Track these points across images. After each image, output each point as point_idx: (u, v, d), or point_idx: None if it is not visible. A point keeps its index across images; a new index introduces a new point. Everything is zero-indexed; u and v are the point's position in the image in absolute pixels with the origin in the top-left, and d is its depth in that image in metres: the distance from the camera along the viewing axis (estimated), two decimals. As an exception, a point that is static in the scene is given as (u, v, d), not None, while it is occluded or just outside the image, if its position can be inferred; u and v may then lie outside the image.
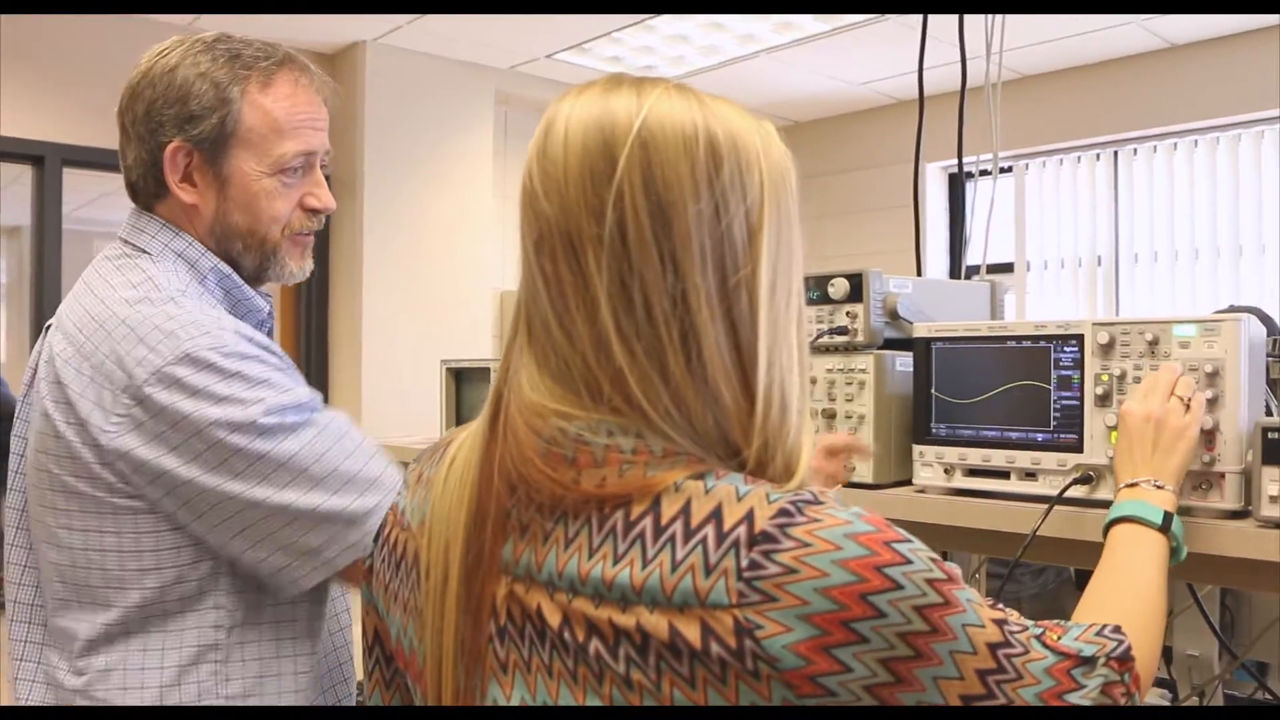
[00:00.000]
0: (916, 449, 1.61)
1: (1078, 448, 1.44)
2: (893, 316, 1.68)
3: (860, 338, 1.67)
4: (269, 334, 1.44)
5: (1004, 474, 1.52)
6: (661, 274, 0.90)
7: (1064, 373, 1.45)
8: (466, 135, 5.67)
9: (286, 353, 1.38)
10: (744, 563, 0.83)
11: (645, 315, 0.90)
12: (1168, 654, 1.99)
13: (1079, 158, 5.63)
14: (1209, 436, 1.32)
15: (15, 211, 5.03)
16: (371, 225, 5.30)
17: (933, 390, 1.59)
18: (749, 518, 0.85)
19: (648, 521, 0.87)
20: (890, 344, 1.70)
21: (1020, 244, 5.82)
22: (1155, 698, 2.11)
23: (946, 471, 1.57)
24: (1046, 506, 1.40)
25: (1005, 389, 1.51)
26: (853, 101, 6.30)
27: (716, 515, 0.86)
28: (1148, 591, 1.12)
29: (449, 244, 5.58)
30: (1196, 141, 5.24)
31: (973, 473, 1.55)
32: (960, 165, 2.21)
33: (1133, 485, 1.25)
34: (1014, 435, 1.51)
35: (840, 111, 6.54)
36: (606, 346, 0.90)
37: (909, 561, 0.85)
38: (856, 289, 1.67)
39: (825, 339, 1.68)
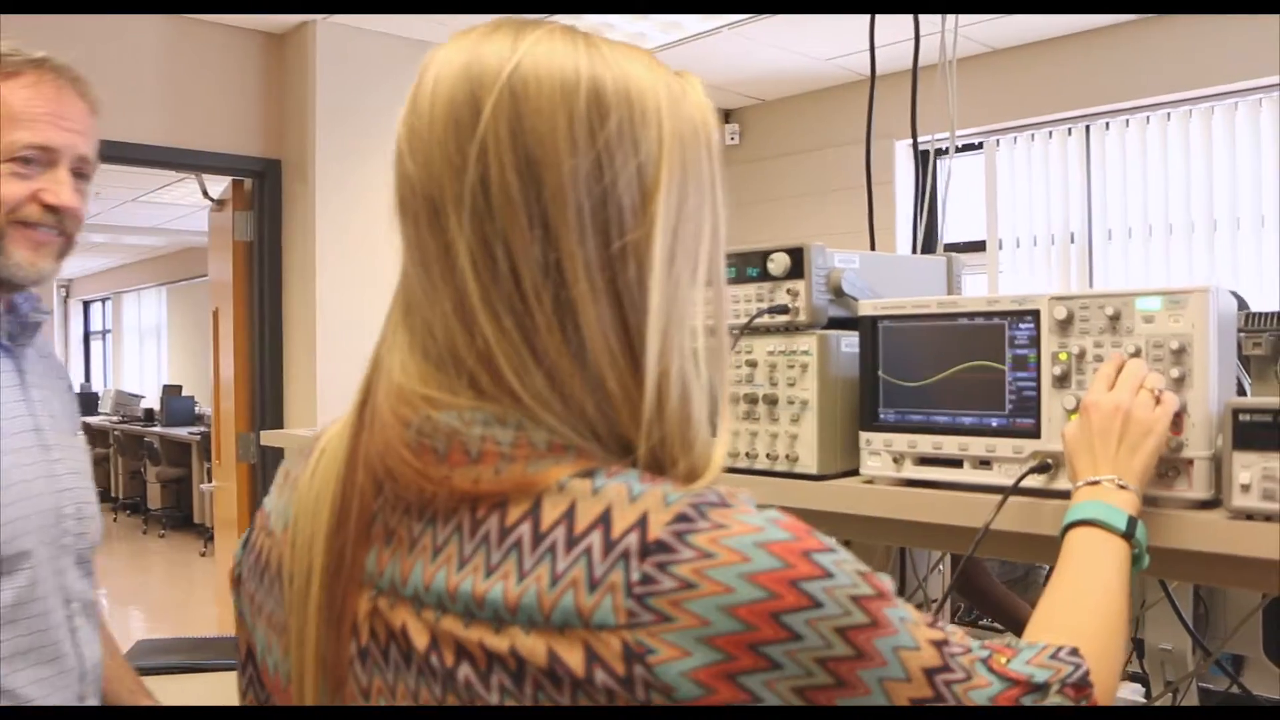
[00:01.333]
0: (863, 436, 1.49)
1: (1034, 433, 1.32)
2: (837, 294, 1.55)
3: (802, 317, 1.54)
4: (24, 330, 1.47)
5: (957, 462, 1.40)
6: (531, 238, 0.78)
7: (1019, 351, 1.34)
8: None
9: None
10: (635, 576, 0.71)
11: (514, 285, 0.78)
12: (1139, 647, 1.88)
13: (1050, 133, 5.51)
14: (1175, 420, 1.21)
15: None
16: (324, 211, 5.14)
17: (880, 373, 1.47)
18: (642, 523, 0.73)
19: (525, 527, 0.75)
20: (835, 323, 1.57)
21: (992, 221, 5.71)
22: (1129, 693, 2.00)
23: (895, 461, 1.45)
24: (1001, 498, 1.28)
25: (957, 370, 1.39)
26: (820, 78, 6.16)
27: (604, 520, 0.74)
28: (1108, 606, 1.01)
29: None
30: (1169, 115, 5.13)
31: (924, 461, 1.43)
32: (915, 143, 2.09)
33: (1093, 484, 1.14)
34: (967, 420, 1.39)
35: (808, 89, 6.40)
36: (471, 320, 0.78)
37: (830, 575, 0.73)
38: (797, 264, 1.54)
39: (764, 319, 1.56)
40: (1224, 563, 1.18)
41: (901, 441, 1.44)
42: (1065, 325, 1.29)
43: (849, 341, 1.54)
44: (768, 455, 1.58)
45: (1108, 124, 5.34)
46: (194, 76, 5.03)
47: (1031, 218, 5.60)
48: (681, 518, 0.73)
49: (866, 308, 1.47)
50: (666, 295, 0.81)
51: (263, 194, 5.32)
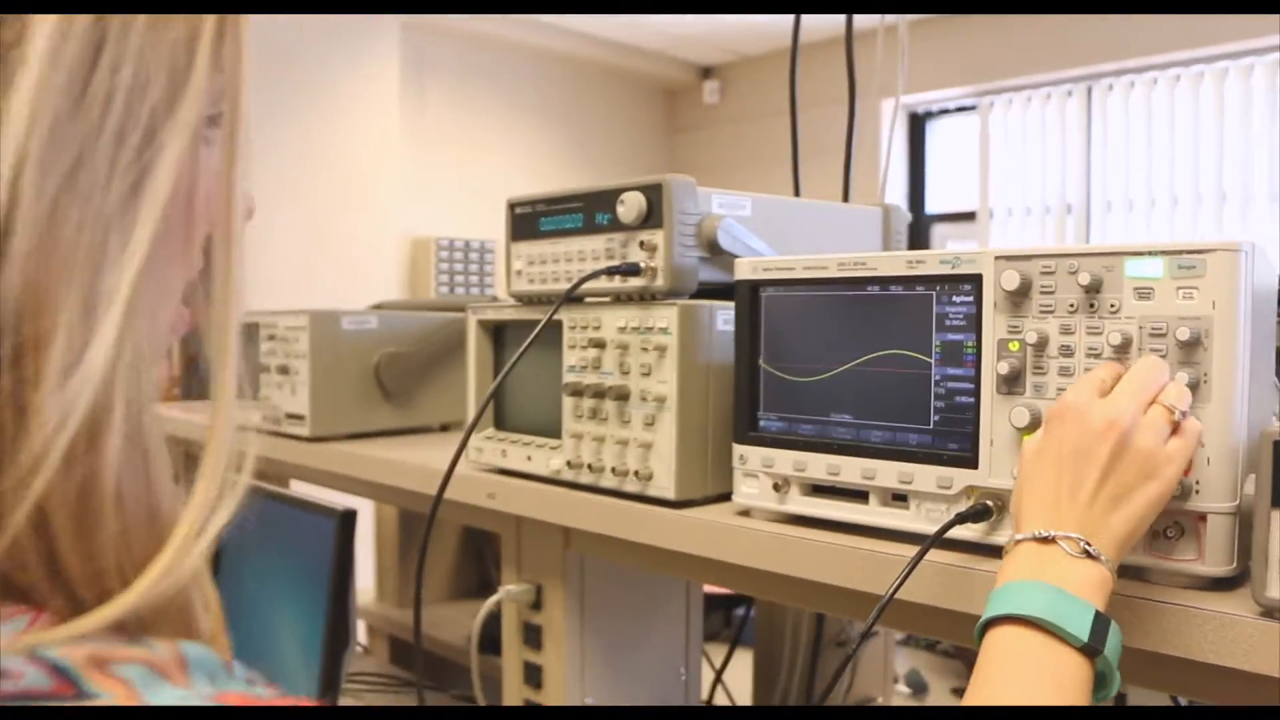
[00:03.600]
0: (736, 451, 1.05)
1: (970, 460, 0.88)
2: (712, 250, 1.12)
3: (659, 280, 1.11)
4: None
5: (860, 495, 0.96)
6: None
7: (951, 337, 0.90)
8: (368, 64, 5.04)
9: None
10: None
11: None
12: None
13: (1048, 94, 5.04)
14: (1181, 450, 0.77)
15: None
16: (256, 167, 4.67)
17: (760, 362, 1.03)
18: None
19: None
20: (710, 292, 1.14)
21: (984, 189, 5.25)
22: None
23: (778, 488, 1.01)
24: (917, 552, 0.85)
25: (864, 362, 0.96)
26: (808, 30, 5.68)
27: None
28: None
29: (348, 186, 4.95)
30: (1179, 76, 4.66)
31: (816, 491, 1.00)
32: (851, 107, 1.66)
33: (1043, 542, 0.71)
34: (875, 436, 0.95)
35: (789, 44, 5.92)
36: None
37: None
38: (655, 207, 1.10)
39: (605, 281, 1.12)
40: (1245, 680, 0.75)
41: (786, 461, 1.00)
42: (1019, 299, 0.85)
43: (727, 317, 1.11)
44: (614, 470, 1.15)
45: (1111, 85, 4.88)
46: None
47: (1026, 186, 5.14)
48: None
49: (744, 268, 1.03)
50: (41, 227, 0.39)
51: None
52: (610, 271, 1.10)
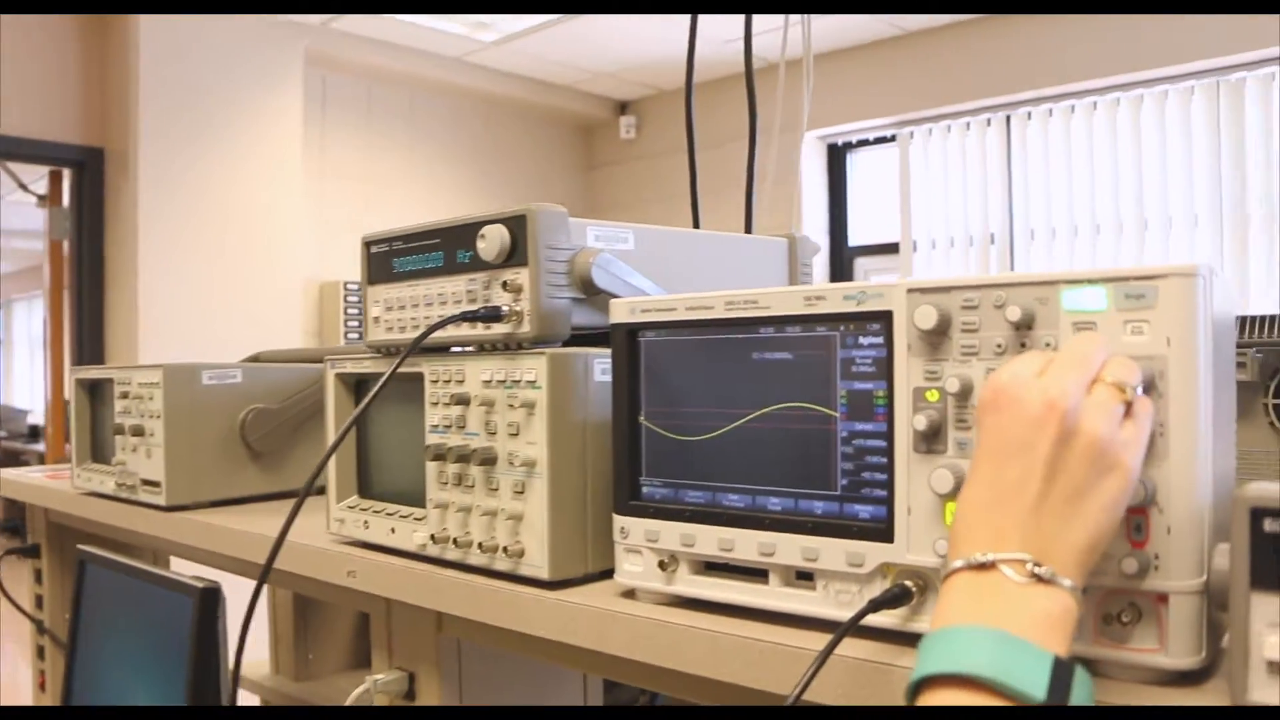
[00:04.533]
0: (617, 523, 0.90)
1: (884, 532, 0.74)
2: (587, 290, 0.96)
3: (526, 327, 0.95)
4: None
5: (759, 574, 0.81)
6: None
7: (859, 386, 0.75)
8: (270, 101, 4.84)
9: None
10: None
11: None
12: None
13: (968, 124, 4.99)
14: (1138, 517, 0.64)
15: None
16: (150, 208, 4.45)
17: (641, 419, 0.88)
18: None
19: None
20: (587, 339, 0.98)
21: (905, 220, 5.18)
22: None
23: (664, 566, 0.86)
24: (829, 643, 0.70)
25: (760, 417, 0.81)
26: (721, 64, 5.60)
27: None
28: None
29: (249, 230, 4.73)
30: (1095, 103, 4.64)
31: (710, 568, 0.84)
32: (752, 133, 1.54)
33: (982, 567, 0.57)
34: (774, 504, 0.80)
35: (710, 76, 5.83)
36: None
37: None
38: (520, 242, 0.95)
39: (468, 329, 0.97)
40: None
41: (672, 534, 0.85)
42: (937, 339, 0.71)
43: (605, 367, 0.95)
44: (482, 546, 0.99)
45: (1030, 113, 4.84)
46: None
47: (949, 216, 5.08)
48: None
49: (619, 310, 0.88)
50: None
51: (81, 187, 4.61)
52: (465, 318, 0.95)
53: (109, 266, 4.64)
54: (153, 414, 1.60)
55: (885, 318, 0.73)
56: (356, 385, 1.25)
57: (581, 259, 0.95)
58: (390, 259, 1.13)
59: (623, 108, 6.42)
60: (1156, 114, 4.51)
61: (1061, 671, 0.53)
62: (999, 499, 0.58)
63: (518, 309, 0.94)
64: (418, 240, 1.08)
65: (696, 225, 1.46)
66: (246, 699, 2.26)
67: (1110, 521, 0.59)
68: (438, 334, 1.04)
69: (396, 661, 1.21)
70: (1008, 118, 4.91)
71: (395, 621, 1.21)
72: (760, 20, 1.68)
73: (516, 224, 0.95)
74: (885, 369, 0.73)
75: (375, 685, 1.19)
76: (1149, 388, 0.63)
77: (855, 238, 5.61)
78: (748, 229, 1.40)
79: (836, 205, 5.62)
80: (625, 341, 0.87)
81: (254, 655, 2.24)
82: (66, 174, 4.70)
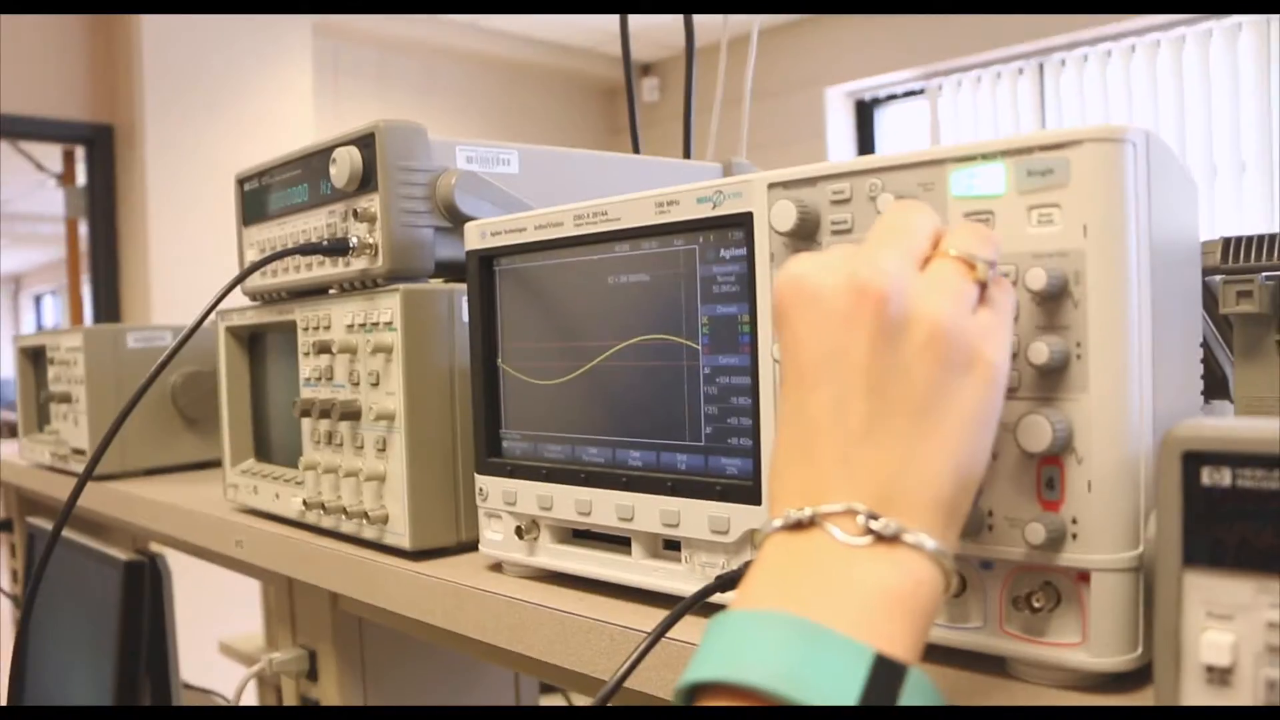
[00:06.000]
0: (478, 483, 0.76)
1: (751, 491, 0.59)
2: (453, 218, 0.82)
3: (381, 261, 0.81)
4: None
5: (621, 542, 0.67)
6: None
7: (723, 310, 0.61)
8: (278, 73, 4.73)
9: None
10: None
11: None
12: None
13: (998, 73, 4.77)
14: (1050, 468, 0.49)
15: None
16: (158, 183, 4.37)
17: (499, 362, 0.74)
18: None
19: None
20: (448, 269, 0.85)
21: (937, 178, 4.97)
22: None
23: (521, 533, 0.72)
24: (657, 626, 0.56)
25: (616, 354, 0.67)
26: (748, 23, 5.42)
27: None
28: None
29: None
30: (1134, 45, 4.40)
31: (577, 536, 0.71)
32: (688, 100, 1.40)
33: (799, 526, 0.42)
34: (634, 458, 0.66)
35: (737, 34, 5.65)
36: None
37: None
38: (370, 166, 0.82)
39: (331, 267, 0.83)
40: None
41: (529, 496, 0.71)
42: (803, 244, 0.56)
43: (472, 302, 0.82)
44: (348, 512, 0.86)
45: (1064, 60, 4.61)
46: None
47: (980, 171, 4.86)
48: None
49: (472, 234, 0.74)
50: None
51: (93, 164, 4.55)
52: (304, 251, 0.81)
53: (121, 242, 4.58)
54: (77, 379, 1.50)
55: (746, 222, 0.58)
56: (250, 339, 1.12)
57: (444, 181, 0.82)
58: (264, 196, 1.00)
59: (646, 69, 6.25)
60: (1200, 56, 4.26)
61: (884, 676, 0.37)
62: (811, 433, 0.42)
63: (370, 241, 0.81)
64: (282, 172, 0.95)
65: (636, 151, 1.32)
66: (236, 670, 2.17)
67: (977, 441, 0.43)
68: (305, 275, 0.91)
69: (300, 639, 1.09)
70: (1040, 65, 4.68)
71: (296, 595, 1.09)
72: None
73: (366, 144, 0.81)
74: (750, 284, 0.58)
75: (271, 664, 1.07)
76: (1060, 294, 0.48)
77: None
78: (686, 153, 1.25)
79: (865, 163, 5.42)
80: (479, 271, 0.74)
81: (248, 628, 2.15)
82: (80, 153, 4.65)
